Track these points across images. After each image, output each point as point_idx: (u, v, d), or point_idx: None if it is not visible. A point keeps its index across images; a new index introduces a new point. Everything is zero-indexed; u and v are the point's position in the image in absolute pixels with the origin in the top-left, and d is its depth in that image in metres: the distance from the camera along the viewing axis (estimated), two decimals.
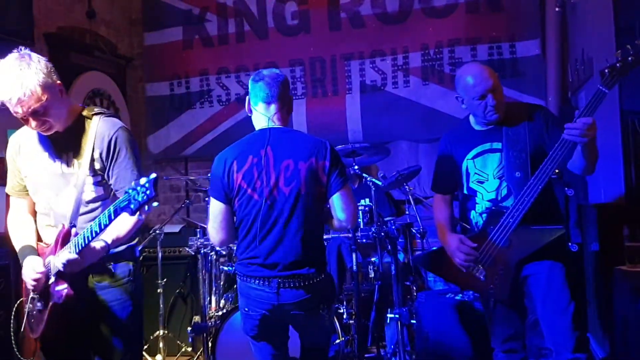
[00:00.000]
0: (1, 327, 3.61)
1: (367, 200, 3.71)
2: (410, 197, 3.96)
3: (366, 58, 5.09)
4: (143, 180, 1.94)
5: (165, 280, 4.33)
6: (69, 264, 2.10)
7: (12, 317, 2.48)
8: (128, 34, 5.70)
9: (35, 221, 2.39)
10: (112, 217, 2.02)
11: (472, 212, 2.61)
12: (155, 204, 1.92)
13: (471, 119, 2.65)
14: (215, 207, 2.43)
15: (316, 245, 2.40)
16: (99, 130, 2.24)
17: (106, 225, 2.06)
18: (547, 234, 2.39)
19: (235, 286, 3.94)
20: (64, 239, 2.18)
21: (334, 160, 2.37)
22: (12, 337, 2.44)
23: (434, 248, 2.79)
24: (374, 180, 3.73)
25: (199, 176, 4.82)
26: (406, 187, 3.94)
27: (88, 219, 2.23)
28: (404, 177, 3.85)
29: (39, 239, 2.36)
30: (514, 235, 2.41)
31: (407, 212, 4.10)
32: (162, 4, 5.56)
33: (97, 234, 2.08)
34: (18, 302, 2.41)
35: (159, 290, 4.29)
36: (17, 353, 2.46)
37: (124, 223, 2.21)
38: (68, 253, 2.11)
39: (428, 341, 3.52)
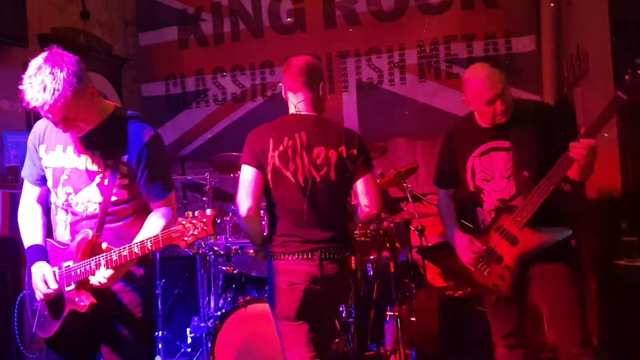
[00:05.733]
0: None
1: None
2: (408, 194, 3.96)
3: (362, 55, 5.08)
4: (201, 217, 1.92)
5: (163, 281, 4.31)
6: (107, 280, 2.06)
7: (16, 311, 2.44)
8: (123, 34, 5.67)
9: (45, 212, 2.32)
10: (161, 245, 1.99)
11: (479, 209, 2.61)
12: (212, 239, 1.90)
13: (476, 115, 2.61)
14: (247, 173, 2.51)
15: (343, 225, 2.59)
16: (131, 136, 2.18)
17: (151, 252, 2.04)
18: (555, 235, 2.41)
19: (234, 286, 3.94)
20: (88, 248, 2.11)
21: (361, 149, 2.54)
22: (17, 332, 2.41)
23: (442, 242, 2.78)
24: None
25: (195, 176, 4.80)
26: (404, 184, 3.94)
27: (111, 220, 2.20)
28: (402, 174, 3.85)
29: (49, 235, 2.28)
30: (521, 235, 2.43)
31: (405, 209, 4.10)
32: (156, 4, 5.54)
33: (138, 257, 2.04)
34: (21, 295, 2.35)
35: (157, 291, 4.28)
36: (22, 349, 2.43)
37: (154, 233, 2.16)
38: (104, 269, 2.05)
39: (427, 338, 3.53)
